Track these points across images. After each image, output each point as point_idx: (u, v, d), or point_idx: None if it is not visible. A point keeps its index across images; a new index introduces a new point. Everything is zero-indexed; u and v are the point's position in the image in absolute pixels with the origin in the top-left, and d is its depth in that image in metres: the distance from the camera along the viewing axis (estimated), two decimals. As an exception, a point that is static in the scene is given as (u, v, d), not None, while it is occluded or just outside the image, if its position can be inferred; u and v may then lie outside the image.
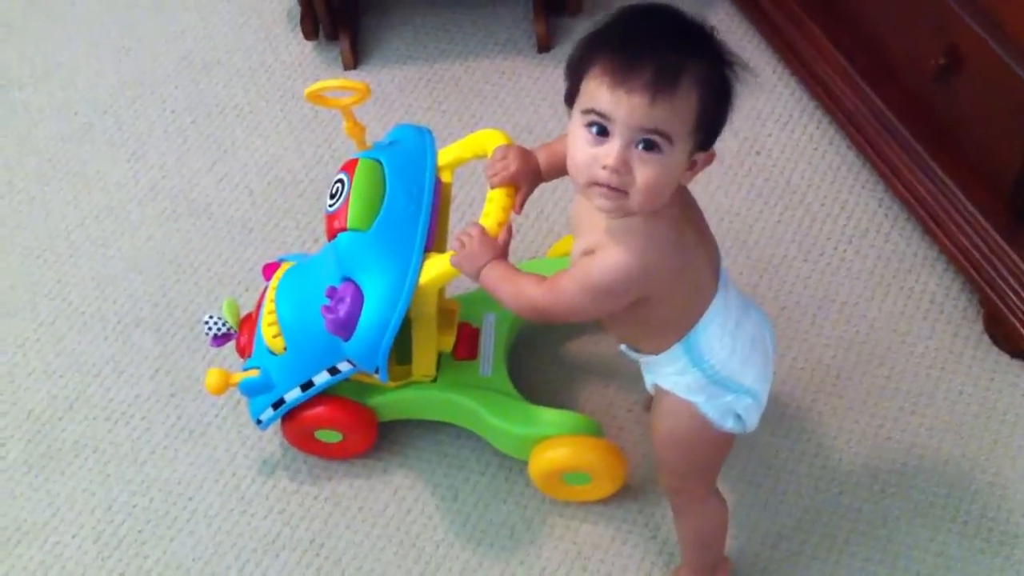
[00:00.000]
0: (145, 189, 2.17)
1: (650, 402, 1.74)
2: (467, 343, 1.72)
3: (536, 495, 1.72)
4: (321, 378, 1.63)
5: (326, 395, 1.67)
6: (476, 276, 1.41)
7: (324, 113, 2.22)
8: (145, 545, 1.72)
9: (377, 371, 1.54)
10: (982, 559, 1.64)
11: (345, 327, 1.50)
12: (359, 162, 1.58)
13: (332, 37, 2.36)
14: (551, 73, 2.29)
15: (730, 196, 2.05)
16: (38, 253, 2.08)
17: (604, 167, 1.18)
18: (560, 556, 1.67)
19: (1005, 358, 1.83)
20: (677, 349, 1.36)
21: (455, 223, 1.95)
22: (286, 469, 1.78)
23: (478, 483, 1.75)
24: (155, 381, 1.89)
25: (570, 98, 1.24)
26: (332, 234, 1.55)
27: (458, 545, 1.69)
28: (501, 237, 1.42)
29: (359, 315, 1.49)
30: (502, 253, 1.41)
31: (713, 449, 1.46)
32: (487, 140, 1.57)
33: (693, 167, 1.24)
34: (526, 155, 1.49)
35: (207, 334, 1.70)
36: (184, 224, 2.10)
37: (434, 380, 1.69)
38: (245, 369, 1.66)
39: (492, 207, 1.45)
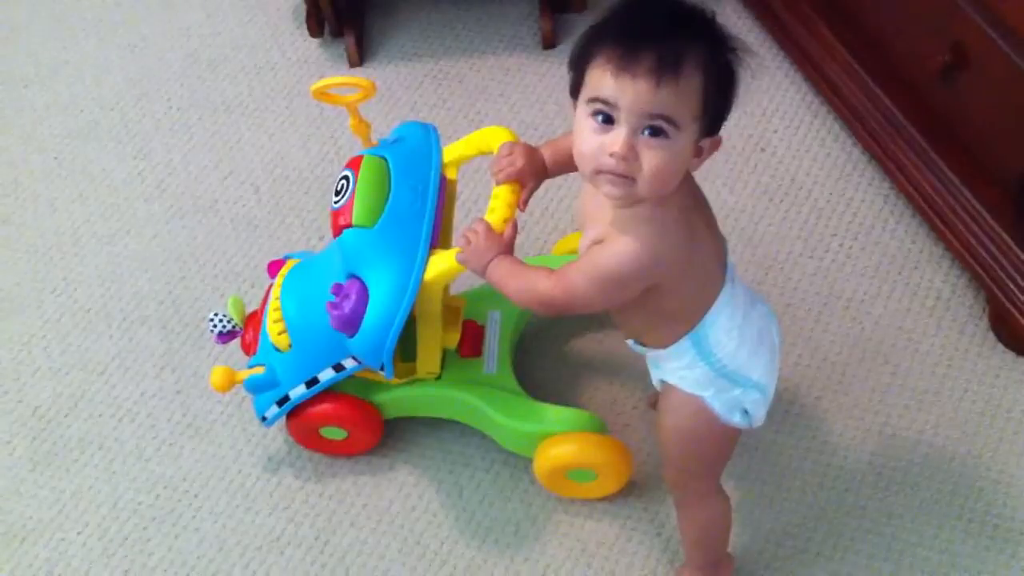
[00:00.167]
0: (151, 186, 2.17)
1: (655, 399, 1.74)
2: (472, 340, 1.72)
3: (541, 492, 1.72)
4: (326, 375, 1.63)
5: (331, 392, 1.67)
6: (482, 272, 1.41)
7: (329, 110, 2.22)
8: (150, 542, 1.72)
9: (382, 368, 1.54)
10: (987, 556, 1.63)
11: (350, 324, 1.50)
12: (364, 159, 1.58)
13: (337, 34, 2.37)
14: (556, 70, 2.29)
15: (736, 193, 2.05)
16: (44, 251, 2.09)
17: (611, 154, 1.19)
18: (565, 553, 1.67)
19: (1011, 355, 1.82)
20: (685, 342, 1.36)
21: (460, 220, 1.95)
22: (291, 466, 1.78)
23: (483, 480, 1.75)
24: (160, 378, 1.89)
25: (575, 90, 1.25)
26: (337, 231, 1.55)
27: (463, 542, 1.69)
28: (507, 233, 1.42)
29: (364, 312, 1.49)
30: (508, 248, 1.41)
31: (719, 444, 1.46)
32: (492, 137, 1.57)
33: (700, 154, 1.24)
34: (531, 152, 1.50)
35: (212, 331, 1.70)
36: (190, 221, 2.11)
37: (438, 377, 1.69)
38: (250, 366, 1.66)
39: (497, 203, 1.45)
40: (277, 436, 1.81)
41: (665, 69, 1.15)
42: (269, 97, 2.31)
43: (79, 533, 1.74)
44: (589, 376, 1.85)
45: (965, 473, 1.71)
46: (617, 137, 1.18)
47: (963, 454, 1.73)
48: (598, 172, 1.21)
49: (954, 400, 1.78)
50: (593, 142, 1.20)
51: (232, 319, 1.70)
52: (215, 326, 1.70)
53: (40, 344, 1.95)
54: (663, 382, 1.44)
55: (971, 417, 1.76)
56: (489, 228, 1.42)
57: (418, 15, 2.42)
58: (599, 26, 1.21)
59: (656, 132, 1.18)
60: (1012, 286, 1.78)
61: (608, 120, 1.19)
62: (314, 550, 1.70)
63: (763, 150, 2.12)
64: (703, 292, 1.34)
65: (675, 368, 1.40)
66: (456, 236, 1.63)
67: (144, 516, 1.75)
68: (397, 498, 1.74)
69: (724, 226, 1.39)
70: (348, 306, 1.49)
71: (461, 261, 1.44)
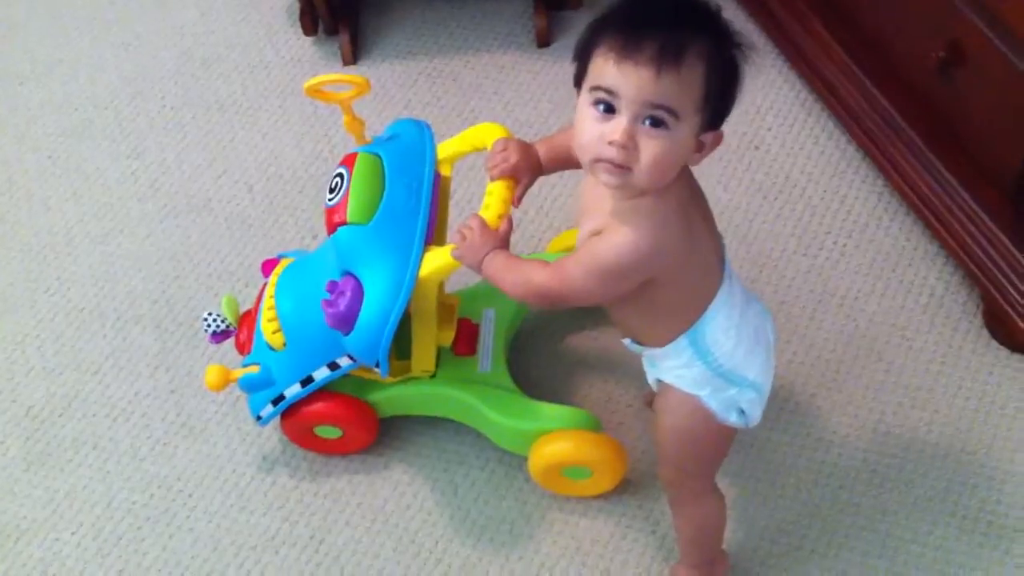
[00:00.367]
0: (144, 185, 2.17)
1: (650, 397, 1.74)
2: (466, 338, 1.72)
3: (535, 490, 1.72)
4: (321, 374, 1.63)
5: (325, 391, 1.67)
6: (478, 267, 1.41)
7: (323, 109, 2.22)
8: (144, 542, 1.72)
9: (377, 365, 1.54)
10: (981, 553, 1.63)
11: (345, 321, 1.49)
12: (358, 156, 1.58)
13: (331, 32, 2.37)
14: (551, 68, 2.29)
15: (730, 191, 2.05)
16: (37, 250, 2.08)
17: (610, 143, 1.19)
18: (559, 551, 1.67)
19: (1005, 352, 1.83)
20: (682, 341, 1.36)
21: (454, 217, 1.94)
22: (285, 465, 1.78)
23: (477, 478, 1.75)
24: (154, 378, 1.89)
25: (578, 80, 1.25)
26: (332, 228, 1.55)
27: (457, 540, 1.69)
28: (502, 228, 1.43)
29: (359, 309, 1.49)
30: (503, 244, 1.41)
31: (716, 443, 1.46)
32: (486, 134, 1.57)
33: (701, 148, 1.24)
34: (526, 148, 1.50)
35: (206, 331, 1.70)
36: (183, 220, 2.10)
37: (433, 376, 1.69)
38: (244, 365, 1.66)
39: (492, 199, 1.45)
40: (272, 435, 1.81)
41: (667, 57, 1.16)
42: (263, 96, 2.30)
43: (73, 533, 1.74)
44: (584, 374, 1.85)
45: (959, 470, 1.71)
46: (617, 126, 1.19)
47: (957, 451, 1.73)
48: (597, 161, 1.21)
49: (948, 397, 1.79)
50: (594, 131, 1.21)
51: (226, 318, 1.70)
52: (209, 325, 1.70)
53: (34, 344, 1.95)
54: (660, 381, 1.44)
55: (965, 414, 1.77)
56: (484, 223, 1.42)
57: (412, 13, 2.42)
58: (604, 16, 1.22)
59: (657, 123, 1.18)
60: (1007, 283, 1.78)
61: (609, 110, 1.19)
62: (309, 549, 1.70)
63: (757, 148, 2.12)
64: (702, 288, 1.34)
65: (672, 367, 1.40)
66: (450, 233, 1.63)
67: (138, 516, 1.75)
68: (392, 497, 1.74)
69: (718, 224, 1.39)
70: (343, 303, 1.49)
71: (456, 257, 1.44)
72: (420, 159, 1.58)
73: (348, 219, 1.52)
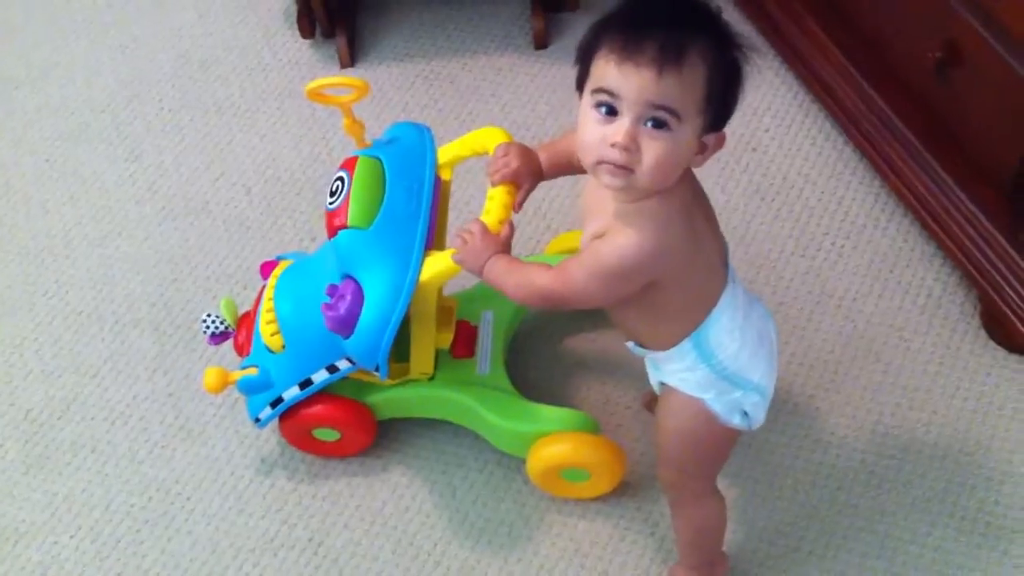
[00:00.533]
0: (142, 188, 2.17)
1: (648, 399, 1.75)
2: (465, 341, 1.72)
3: (534, 492, 1.72)
4: (320, 376, 1.63)
5: (324, 394, 1.67)
6: (479, 271, 1.41)
7: (321, 111, 2.22)
8: (143, 545, 1.72)
9: (377, 369, 1.54)
10: (980, 554, 1.64)
11: (346, 324, 1.49)
12: (359, 160, 1.58)
13: (329, 35, 2.36)
14: (548, 70, 2.29)
15: (727, 192, 2.05)
16: (35, 253, 2.08)
17: (612, 145, 1.19)
18: (558, 553, 1.67)
19: (1002, 353, 1.83)
20: (686, 344, 1.36)
21: (454, 221, 1.95)
22: (284, 468, 1.78)
23: (476, 481, 1.75)
24: (152, 381, 1.89)
25: (580, 83, 1.26)
26: (332, 232, 1.55)
27: (456, 543, 1.69)
28: (503, 233, 1.43)
29: (360, 313, 1.49)
30: (504, 248, 1.41)
31: (718, 445, 1.46)
32: (487, 138, 1.57)
33: (704, 150, 1.25)
34: (527, 153, 1.50)
35: (205, 332, 1.70)
36: (181, 223, 2.10)
37: (432, 378, 1.69)
38: (243, 367, 1.66)
39: (493, 204, 1.45)
40: (270, 438, 1.81)
41: (668, 58, 1.16)
42: (261, 98, 2.30)
43: (72, 536, 1.74)
44: (582, 376, 1.85)
45: (957, 471, 1.71)
46: (619, 128, 1.19)
47: (955, 452, 1.73)
48: (599, 163, 1.22)
49: (946, 398, 1.79)
50: (596, 133, 1.21)
51: (224, 320, 1.70)
52: (207, 327, 1.70)
53: (32, 347, 1.95)
54: (663, 384, 1.44)
55: (963, 415, 1.77)
56: (485, 228, 1.42)
57: (409, 15, 2.42)
58: (605, 19, 1.23)
59: (659, 124, 1.18)
60: (1004, 284, 1.78)
61: (611, 112, 1.20)
62: (308, 552, 1.70)
63: (754, 149, 2.12)
64: (705, 290, 1.34)
65: (676, 370, 1.40)
66: (450, 237, 1.63)
67: (137, 519, 1.75)
68: (390, 499, 1.74)
69: (716, 225, 1.40)
70: (343, 307, 1.49)
71: (458, 261, 1.44)
72: (421, 163, 1.58)
73: (349, 223, 1.52)
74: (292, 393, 1.65)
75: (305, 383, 1.64)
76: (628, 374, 1.81)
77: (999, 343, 1.83)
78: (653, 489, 1.70)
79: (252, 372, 1.64)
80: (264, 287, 1.71)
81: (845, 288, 1.92)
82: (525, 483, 1.73)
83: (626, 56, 1.17)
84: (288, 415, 1.69)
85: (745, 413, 1.41)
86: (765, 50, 2.24)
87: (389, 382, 1.67)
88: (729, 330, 1.35)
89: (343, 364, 1.62)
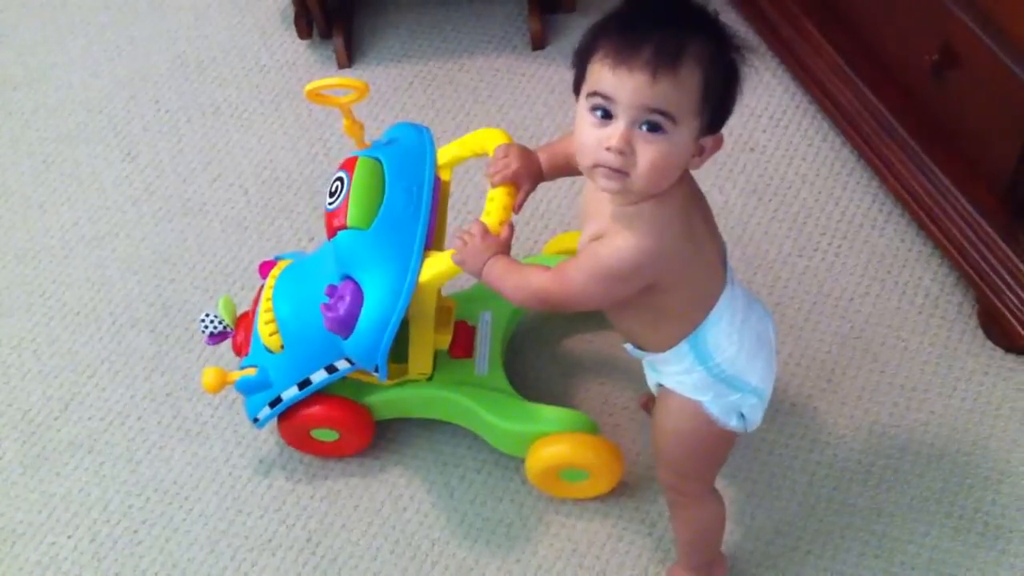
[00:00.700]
0: (140, 189, 2.17)
1: (647, 399, 1.75)
2: (463, 341, 1.72)
3: (532, 492, 1.73)
4: (319, 376, 1.63)
5: (322, 394, 1.67)
6: (479, 273, 1.41)
7: (318, 112, 2.22)
8: (141, 545, 1.72)
9: (376, 369, 1.54)
10: (977, 553, 1.64)
11: (345, 325, 1.49)
12: (358, 160, 1.58)
13: (326, 36, 2.37)
14: (546, 70, 2.29)
15: (724, 192, 2.06)
16: (33, 254, 2.08)
17: (607, 148, 1.19)
18: (556, 553, 1.67)
19: (999, 353, 1.83)
20: (684, 347, 1.36)
21: (453, 221, 1.95)
22: (282, 468, 1.78)
23: (474, 481, 1.75)
24: (150, 381, 1.89)
25: (576, 86, 1.26)
26: (332, 232, 1.55)
27: (454, 543, 1.69)
28: (503, 234, 1.43)
29: (359, 313, 1.49)
30: (504, 250, 1.41)
31: (716, 447, 1.46)
32: (487, 139, 1.57)
33: (701, 152, 1.25)
34: (527, 154, 1.50)
35: (203, 332, 1.70)
36: (179, 224, 2.10)
37: (430, 378, 1.69)
38: (242, 368, 1.66)
39: (493, 206, 1.45)
40: (268, 438, 1.81)
41: (662, 62, 1.16)
42: (258, 99, 2.30)
43: (70, 536, 1.74)
44: (580, 376, 1.85)
45: (954, 470, 1.71)
46: (614, 131, 1.19)
47: (953, 452, 1.73)
48: (596, 166, 1.22)
49: (943, 397, 1.79)
50: (592, 137, 1.21)
51: (223, 320, 1.70)
52: (206, 327, 1.70)
53: (30, 347, 1.95)
54: (660, 386, 1.44)
55: (960, 414, 1.77)
56: (485, 229, 1.42)
57: (407, 16, 2.42)
58: (600, 22, 1.23)
59: (654, 127, 1.18)
60: (1001, 284, 1.79)
61: (607, 115, 1.20)
62: (306, 552, 1.70)
63: (752, 149, 2.12)
64: (704, 293, 1.34)
65: (673, 372, 1.40)
66: (449, 237, 1.63)
67: (135, 519, 1.75)
68: (388, 499, 1.74)
69: (713, 226, 1.40)
70: (342, 307, 1.49)
71: (457, 262, 1.44)
72: (420, 164, 1.58)
73: (348, 223, 1.52)
74: (291, 393, 1.65)
75: (304, 383, 1.64)
76: (626, 375, 1.81)
77: (996, 343, 1.83)
78: (651, 489, 1.71)
79: (251, 372, 1.64)
80: (263, 287, 1.71)
81: (843, 288, 1.92)
82: (523, 483, 1.73)
83: (620, 60, 1.17)
84: (287, 415, 1.69)
85: (742, 415, 1.41)
86: (763, 52, 2.25)
87: (388, 383, 1.67)
88: (727, 333, 1.35)
89: (342, 364, 1.61)
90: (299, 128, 2.24)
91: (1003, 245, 1.79)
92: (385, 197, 1.54)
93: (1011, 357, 1.82)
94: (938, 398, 1.79)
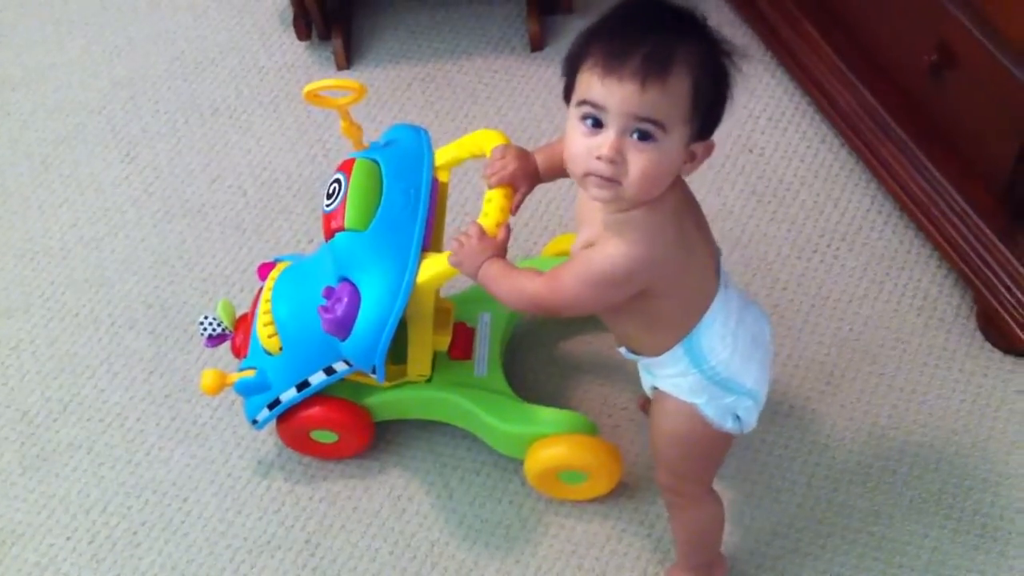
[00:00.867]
0: (138, 190, 2.17)
1: (645, 401, 1.75)
2: (462, 343, 1.72)
3: (531, 494, 1.73)
4: (317, 378, 1.63)
5: (321, 396, 1.67)
6: (475, 274, 1.41)
7: (317, 113, 2.22)
8: (140, 547, 1.72)
9: (374, 371, 1.54)
10: (975, 555, 1.64)
11: (342, 327, 1.50)
12: (356, 162, 1.58)
13: (325, 37, 2.36)
14: (544, 72, 2.29)
15: (723, 195, 2.06)
16: (31, 255, 2.08)
17: (598, 157, 1.19)
18: (555, 554, 1.67)
19: (998, 355, 1.83)
20: (678, 350, 1.36)
21: (451, 223, 1.95)
22: (281, 469, 1.78)
23: (473, 482, 1.75)
24: (149, 382, 1.89)
25: (567, 94, 1.26)
26: (329, 234, 1.55)
27: (453, 544, 1.69)
28: (500, 236, 1.43)
29: (356, 315, 1.49)
30: (501, 251, 1.42)
31: (711, 449, 1.46)
32: (485, 140, 1.57)
33: (693, 158, 1.24)
34: (524, 156, 1.50)
35: (202, 334, 1.70)
36: (178, 225, 2.10)
37: (429, 380, 1.69)
38: (241, 369, 1.66)
39: (490, 207, 1.45)
40: (267, 439, 1.81)
41: (651, 70, 1.16)
42: (256, 100, 2.30)
43: (68, 538, 1.74)
44: (579, 378, 1.85)
45: (953, 472, 1.72)
46: (605, 140, 1.19)
47: (951, 453, 1.74)
48: (587, 175, 1.22)
49: (942, 399, 1.79)
50: (582, 146, 1.21)
51: (222, 322, 1.70)
52: (205, 329, 1.70)
53: (28, 348, 1.95)
54: (655, 389, 1.44)
55: (959, 416, 1.77)
56: (482, 231, 1.42)
57: (406, 18, 2.42)
58: (591, 30, 1.22)
59: (644, 136, 1.18)
60: (1000, 285, 1.79)
61: (597, 124, 1.20)
62: (304, 553, 1.70)
63: (750, 151, 2.12)
64: (697, 297, 1.34)
65: (668, 375, 1.40)
66: (447, 239, 1.63)
67: (133, 521, 1.75)
68: (387, 501, 1.74)
69: (711, 228, 1.39)
70: (340, 309, 1.49)
71: (454, 264, 1.44)
72: (418, 165, 1.58)
73: (346, 225, 1.52)
74: (289, 395, 1.65)
75: (302, 385, 1.64)
76: (625, 376, 1.81)
77: (995, 345, 1.84)
78: (650, 491, 1.71)
79: (249, 374, 1.64)
80: (262, 289, 1.71)
81: (841, 290, 1.92)
82: (522, 485, 1.73)
83: (610, 69, 1.17)
84: (285, 417, 1.69)
85: (737, 417, 1.41)
86: (761, 53, 2.25)
87: (386, 384, 1.67)
88: (721, 336, 1.35)
89: (340, 366, 1.61)
90: (298, 129, 2.24)
91: (1001, 246, 1.79)
92: (383, 199, 1.54)
93: (1009, 359, 1.82)
94: (937, 400, 1.79)
